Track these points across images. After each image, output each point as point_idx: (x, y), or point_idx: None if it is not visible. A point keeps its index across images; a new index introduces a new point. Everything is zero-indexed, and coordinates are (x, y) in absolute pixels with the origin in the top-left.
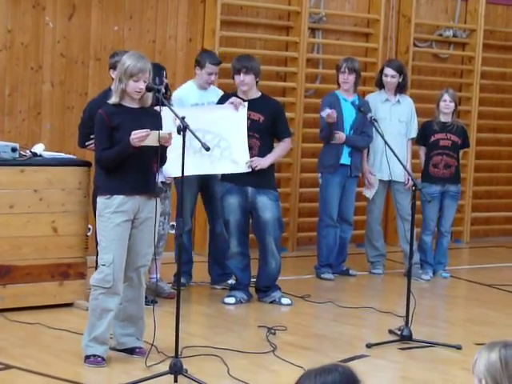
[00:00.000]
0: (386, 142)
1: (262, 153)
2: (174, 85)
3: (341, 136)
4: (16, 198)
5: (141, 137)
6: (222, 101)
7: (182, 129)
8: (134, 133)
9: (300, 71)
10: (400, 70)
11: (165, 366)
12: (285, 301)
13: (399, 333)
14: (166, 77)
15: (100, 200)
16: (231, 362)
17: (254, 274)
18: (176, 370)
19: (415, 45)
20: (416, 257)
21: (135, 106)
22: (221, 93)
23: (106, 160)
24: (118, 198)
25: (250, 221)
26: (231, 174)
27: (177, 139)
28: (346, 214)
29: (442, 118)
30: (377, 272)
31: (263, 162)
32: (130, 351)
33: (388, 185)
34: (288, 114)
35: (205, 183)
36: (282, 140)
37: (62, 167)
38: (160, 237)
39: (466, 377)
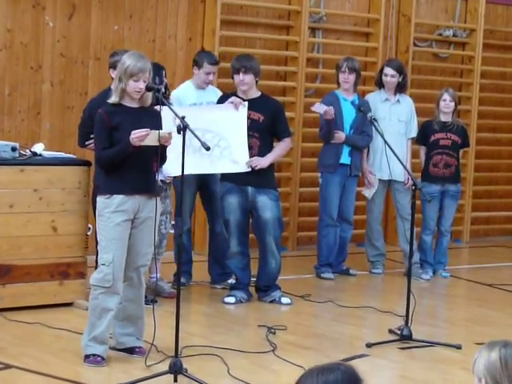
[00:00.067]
0: (385, 142)
1: (262, 152)
2: (173, 84)
3: (340, 136)
4: (16, 198)
5: (141, 136)
6: (221, 100)
7: (182, 128)
8: (133, 132)
9: (300, 71)
10: (400, 70)
11: (165, 366)
12: (285, 300)
13: (399, 332)
14: (165, 76)
15: (100, 199)
16: (231, 362)
17: (254, 274)
18: (176, 369)
19: (415, 44)
20: (416, 256)
21: (135, 105)
22: (219, 92)
23: (106, 159)
24: (118, 198)
25: (250, 220)
26: (231, 173)
27: (177, 139)
28: (345, 214)
29: (442, 118)
30: (377, 271)
31: (263, 162)
32: (130, 351)
33: (388, 184)
34: (288, 114)
35: (203, 183)
36: (282, 140)
37: (61, 167)
38: (162, 236)
39: (466, 376)
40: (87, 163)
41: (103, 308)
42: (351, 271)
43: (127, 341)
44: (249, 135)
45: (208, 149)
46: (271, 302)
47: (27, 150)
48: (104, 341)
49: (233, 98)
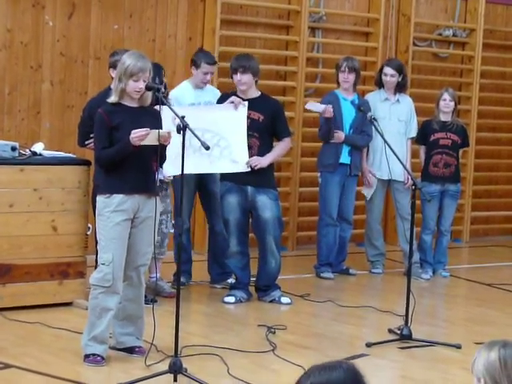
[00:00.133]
0: (385, 141)
1: (262, 152)
2: (173, 84)
3: (340, 135)
4: (16, 197)
5: (140, 136)
6: (222, 100)
7: (182, 128)
8: (133, 132)
9: (300, 70)
10: (399, 70)
11: (164, 365)
12: (284, 300)
13: (399, 332)
14: (164, 76)
15: (100, 199)
16: (231, 361)
17: (254, 273)
18: (176, 369)
19: (415, 44)
20: (416, 256)
21: (135, 105)
22: (217, 92)
23: (106, 159)
24: (118, 197)
25: (250, 220)
26: (231, 173)
27: (176, 138)
28: (345, 213)
29: (442, 117)
30: (376, 271)
31: (263, 161)
32: (130, 350)
33: (388, 184)
34: (288, 114)
35: (202, 182)
36: (282, 139)
37: (61, 166)
38: (164, 236)
39: (466, 376)
40: (87, 163)
41: (103, 307)
42: (351, 271)
43: (127, 340)
44: (248, 135)
45: (208, 148)
46: (271, 301)
47: (27, 150)
48: (104, 340)
49: (233, 98)
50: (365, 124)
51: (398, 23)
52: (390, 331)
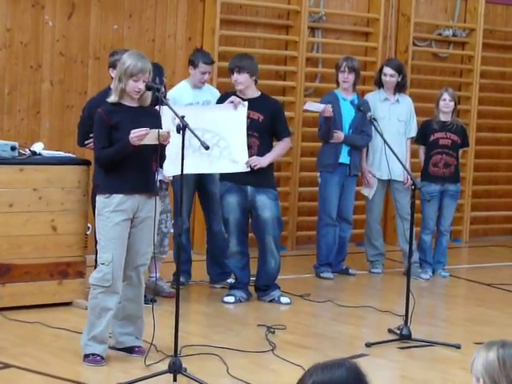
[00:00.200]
0: (385, 141)
1: (262, 152)
2: (173, 84)
3: (339, 135)
4: (15, 197)
5: (140, 135)
6: (222, 100)
7: (182, 128)
8: (133, 131)
9: (299, 70)
10: (399, 70)
11: (164, 365)
12: (284, 300)
13: (398, 332)
14: (163, 76)
15: (99, 199)
16: (230, 361)
17: (254, 273)
18: (175, 368)
19: (414, 44)
20: (415, 256)
21: (134, 105)
22: (215, 91)
23: (106, 159)
24: (118, 197)
25: (250, 220)
26: (230, 173)
27: (176, 138)
28: (345, 213)
29: (442, 117)
30: (376, 271)
31: (262, 161)
32: (129, 350)
33: (387, 184)
34: (287, 113)
35: (201, 182)
36: (282, 139)
37: (61, 166)
38: (164, 235)
39: (465, 376)
40: (86, 162)
41: (102, 307)
42: (350, 271)
43: (126, 340)
44: (248, 135)
45: (207, 148)
46: (270, 301)
47: (27, 150)
48: (103, 340)
49: (233, 98)
50: (364, 124)
51: (397, 23)
52: (390, 331)
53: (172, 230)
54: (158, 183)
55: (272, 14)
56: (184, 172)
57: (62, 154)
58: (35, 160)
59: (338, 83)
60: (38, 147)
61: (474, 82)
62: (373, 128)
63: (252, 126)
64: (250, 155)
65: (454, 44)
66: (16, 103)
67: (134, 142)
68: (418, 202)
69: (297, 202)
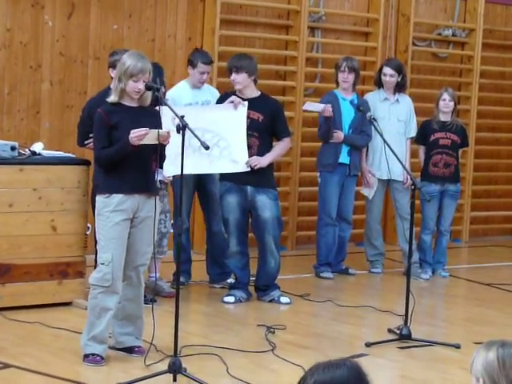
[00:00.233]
0: (385, 141)
1: (261, 152)
2: (173, 84)
3: (339, 135)
4: (15, 197)
5: (140, 135)
6: (222, 99)
7: (182, 128)
8: (132, 131)
9: (299, 70)
10: (399, 70)
11: (164, 365)
12: (284, 300)
13: (398, 332)
14: (164, 76)
15: (99, 199)
16: (230, 361)
17: (254, 273)
18: (175, 368)
19: (414, 44)
20: (415, 256)
21: (134, 105)
22: (215, 91)
23: (105, 159)
24: (117, 197)
25: (250, 220)
26: (230, 173)
27: (176, 138)
28: (344, 213)
29: (442, 117)
30: (376, 271)
31: (262, 161)
32: (129, 350)
33: (387, 184)
34: (287, 113)
35: (201, 182)
36: (282, 139)
37: (61, 166)
38: (163, 235)
39: (465, 376)
40: (86, 162)
41: (102, 307)
42: (350, 271)
43: (126, 340)
44: (248, 135)
45: (207, 148)
46: (270, 301)
47: (26, 150)
48: (103, 340)
49: (233, 98)
50: (364, 124)
51: (397, 23)
52: (390, 331)
53: (171, 230)
54: (158, 183)
55: (272, 14)
56: (184, 172)
57: (61, 153)
58: (35, 160)
59: (337, 83)
60: (37, 147)
61: (473, 81)
62: (372, 128)
63: (252, 125)
64: (250, 155)
65: (453, 44)
66: (16, 103)
67: (134, 142)
68: (417, 201)
69: (297, 201)
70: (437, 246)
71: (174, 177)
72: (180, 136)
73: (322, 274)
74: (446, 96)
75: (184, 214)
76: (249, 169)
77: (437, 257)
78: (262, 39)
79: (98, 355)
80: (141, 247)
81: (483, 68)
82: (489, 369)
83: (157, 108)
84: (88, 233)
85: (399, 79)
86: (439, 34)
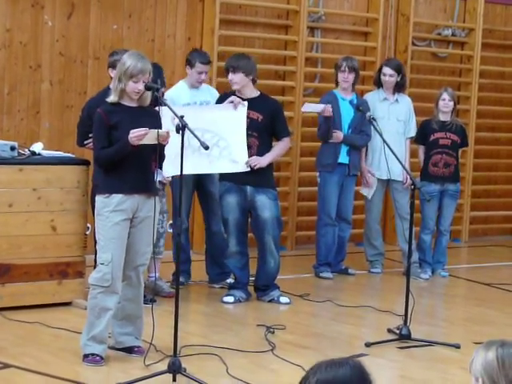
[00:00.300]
0: (384, 141)
1: (261, 152)
2: (173, 84)
3: (338, 135)
4: (15, 197)
5: (139, 135)
6: (221, 100)
7: (181, 128)
8: (132, 131)
9: (299, 70)
10: (398, 69)
11: (163, 365)
12: (283, 300)
13: (398, 332)
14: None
15: (99, 199)
16: (230, 361)
17: (253, 273)
18: (175, 368)
19: (414, 44)
20: (415, 256)
21: (134, 105)
22: (213, 91)
23: (105, 159)
24: (117, 197)
25: (249, 220)
26: (230, 173)
27: (175, 138)
28: (344, 213)
29: (441, 117)
30: (376, 271)
31: (262, 161)
32: (129, 350)
33: (387, 184)
34: (287, 113)
35: (200, 182)
36: (281, 139)
37: (60, 166)
38: (160, 235)
39: (465, 376)
40: (86, 162)
41: (102, 307)
42: (350, 271)
43: (126, 340)
44: (248, 135)
45: (207, 148)
46: (270, 301)
47: (26, 150)
48: (103, 340)
49: (232, 98)
50: (364, 124)
51: (396, 23)
52: (389, 331)
53: (169, 230)
54: (157, 184)
55: (271, 14)
56: (184, 172)
57: (61, 154)
58: (35, 160)
59: (336, 83)
60: (37, 147)
61: (473, 81)
62: (372, 128)
63: (251, 125)
64: (250, 155)
65: (453, 44)
66: (15, 103)
67: (134, 142)
68: (417, 201)
69: (296, 201)
70: (436, 245)
71: (173, 177)
72: (179, 136)
73: (321, 274)
74: (445, 96)
75: (183, 213)
76: (248, 169)
77: (436, 257)
78: (262, 39)
79: (97, 355)
80: (140, 247)
81: (483, 68)
82: (488, 369)
83: (156, 108)
84: (88, 233)
85: (399, 79)
86: (439, 34)
